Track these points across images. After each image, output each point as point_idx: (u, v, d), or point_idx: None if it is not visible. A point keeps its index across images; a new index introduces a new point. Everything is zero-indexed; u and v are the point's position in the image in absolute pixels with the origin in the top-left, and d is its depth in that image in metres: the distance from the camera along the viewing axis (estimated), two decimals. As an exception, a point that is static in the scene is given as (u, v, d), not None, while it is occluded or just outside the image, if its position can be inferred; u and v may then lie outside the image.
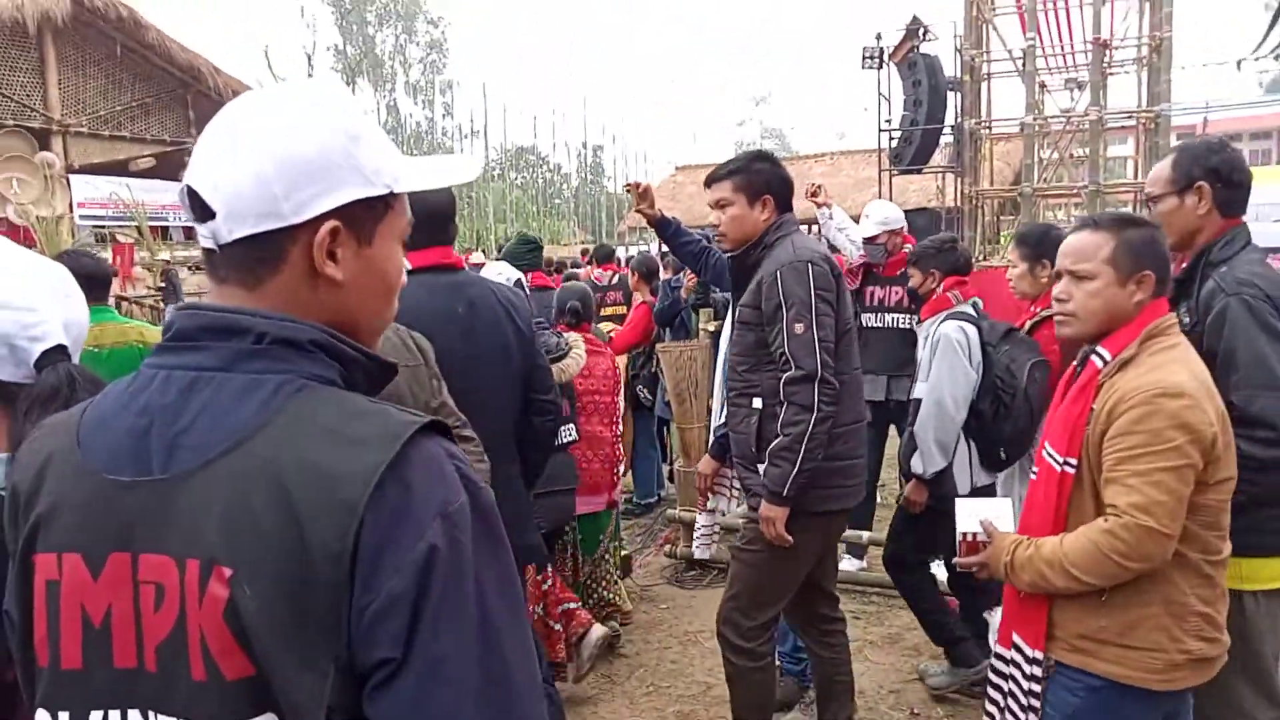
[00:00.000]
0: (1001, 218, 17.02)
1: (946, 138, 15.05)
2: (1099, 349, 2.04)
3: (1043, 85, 16.88)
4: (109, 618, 0.84)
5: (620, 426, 4.72)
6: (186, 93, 17.87)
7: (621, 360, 5.93)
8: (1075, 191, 15.69)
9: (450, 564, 0.79)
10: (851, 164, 25.36)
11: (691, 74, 63.25)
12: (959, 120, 14.77)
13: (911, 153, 14.06)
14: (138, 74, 17.20)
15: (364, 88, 31.73)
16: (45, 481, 0.90)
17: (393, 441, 0.81)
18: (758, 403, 2.89)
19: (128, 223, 16.63)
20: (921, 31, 14.49)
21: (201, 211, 0.88)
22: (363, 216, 0.91)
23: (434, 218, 2.36)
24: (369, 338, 0.96)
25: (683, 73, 62.51)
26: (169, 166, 17.88)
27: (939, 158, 15.37)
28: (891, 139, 14.92)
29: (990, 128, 15.72)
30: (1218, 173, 2.36)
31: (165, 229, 17.70)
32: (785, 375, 2.75)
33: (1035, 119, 15.19)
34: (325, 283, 0.90)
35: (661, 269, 7.45)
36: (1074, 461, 2.00)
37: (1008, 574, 2.05)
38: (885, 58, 14.86)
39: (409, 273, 2.14)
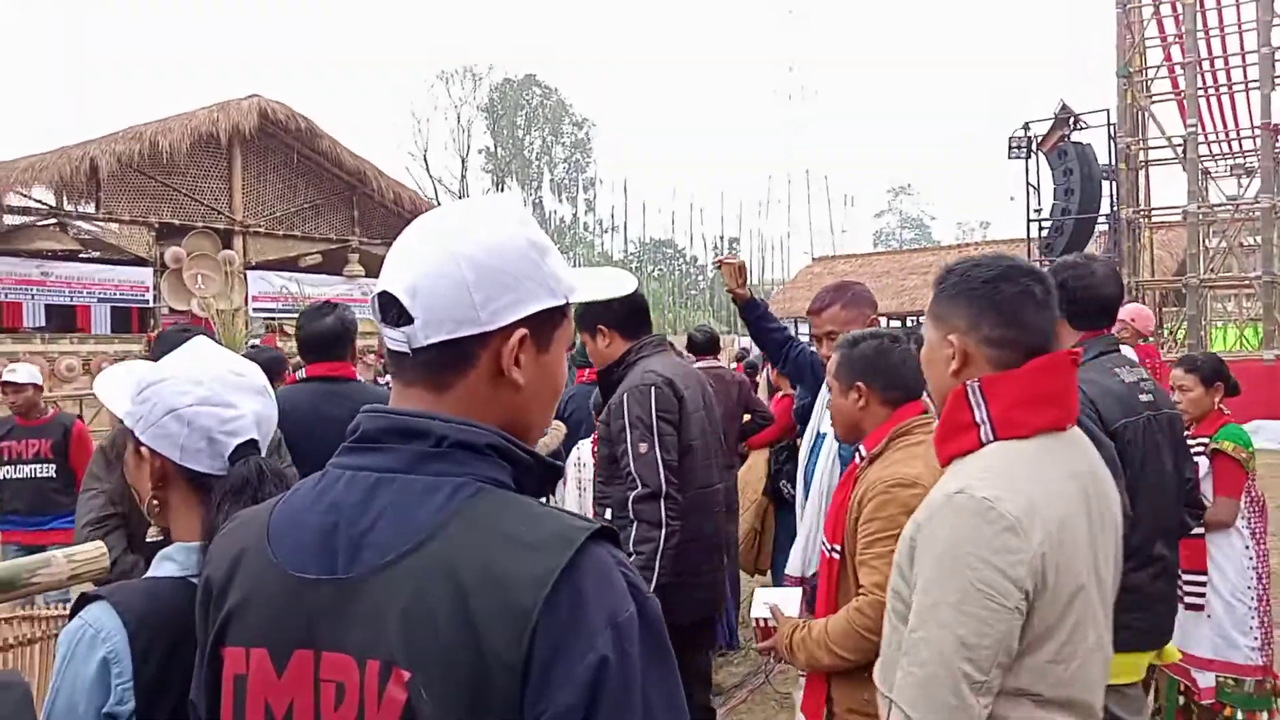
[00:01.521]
0: (1164, 309, 16.10)
1: (1101, 226, 14.47)
2: (860, 447, 2.24)
3: (1206, 172, 16.08)
4: (290, 714, 0.86)
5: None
6: (352, 194, 19.24)
7: (763, 455, 5.81)
8: (1247, 282, 14.69)
9: (620, 676, 0.78)
10: (996, 254, 24.63)
11: (827, 165, 63.77)
12: (1115, 209, 14.18)
13: (1064, 243, 13.57)
14: (310, 178, 18.67)
15: (512, 187, 33.42)
16: (236, 576, 0.92)
17: (566, 547, 0.81)
18: (608, 514, 3.00)
19: (295, 314, 17.88)
20: (1071, 120, 14.12)
21: (397, 316, 0.90)
22: (544, 324, 0.94)
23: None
24: (534, 439, 0.99)
25: (819, 163, 63.06)
26: (334, 261, 19.20)
27: (1093, 247, 14.76)
28: (1042, 228, 14.46)
29: (1150, 216, 15.02)
30: (1063, 291, 2.32)
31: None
32: (633, 493, 2.85)
33: (1200, 207, 14.42)
34: (507, 386, 0.92)
35: None
36: (838, 548, 2.18)
37: (788, 655, 2.21)
38: (1034, 146, 14.52)
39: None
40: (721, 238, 37.64)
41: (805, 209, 62.03)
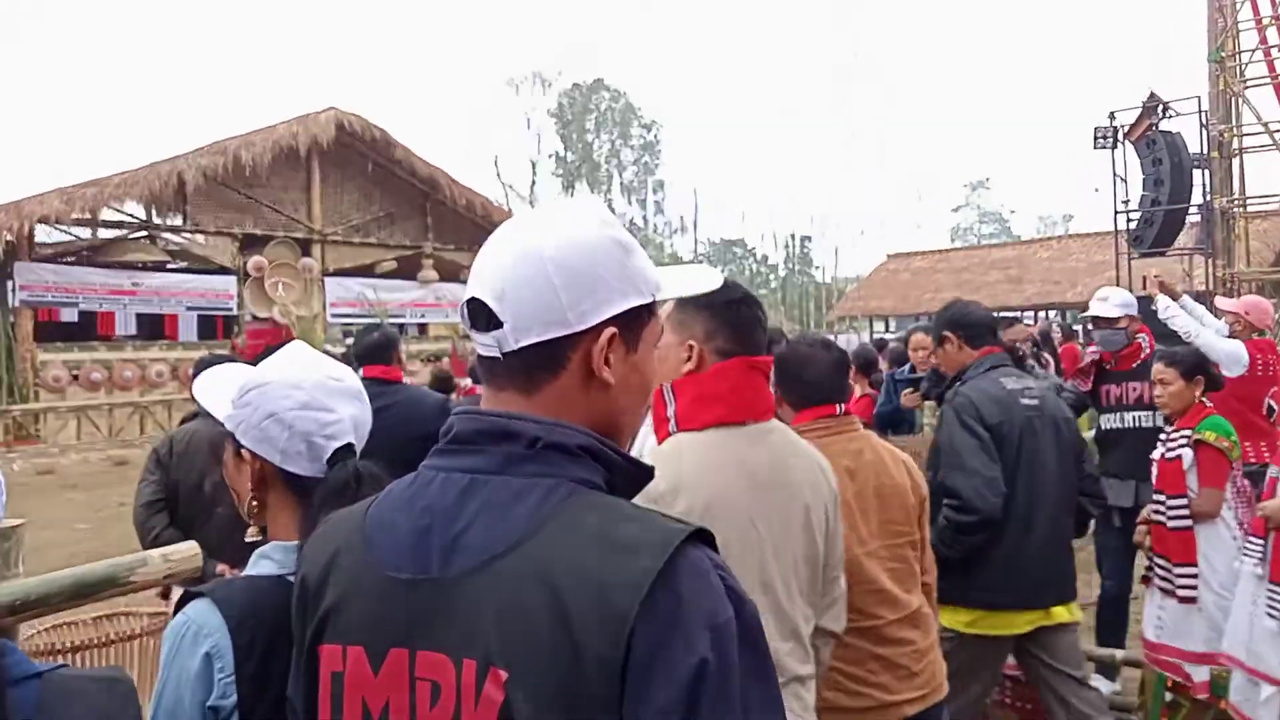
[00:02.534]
0: (1263, 303, 15.34)
1: (1193, 217, 13.86)
2: None
3: (1307, 157, 15.25)
4: (386, 712, 0.87)
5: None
6: (426, 201, 19.60)
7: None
8: (1354, 273, 13.90)
9: (719, 678, 0.78)
10: (1082, 248, 23.82)
11: (904, 158, 62.52)
12: (1207, 199, 13.57)
13: (1153, 234, 13.03)
14: (385, 187, 19.08)
15: (582, 189, 33.71)
16: (332, 575, 0.94)
17: (663, 549, 0.81)
18: None
19: (371, 319, 18.28)
20: (1160, 108, 13.56)
21: (487, 321, 0.91)
22: (633, 323, 0.95)
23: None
24: (626, 439, 0.99)
25: (894, 158, 61.95)
26: (408, 267, 19.57)
27: (1184, 239, 14.14)
28: (1130, 220, 13.91)
29: (1245, 205, 14.33)
30: (955, 323, 3.22)
31: (403, 325, 19.28)
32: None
33: (1300, 195, 13.70)
34: (598, 386, 0.92)
35: (881, 361, 7.14)
36: None
37: None
38: (1120, 136, 13.98)
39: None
40: (793, 236, 37.32)
41: (878, 203, 60.98)
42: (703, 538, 0.85)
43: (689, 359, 1.79)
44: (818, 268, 44.01)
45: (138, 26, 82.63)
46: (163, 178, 15.22)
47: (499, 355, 0.92)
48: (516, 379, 0.92)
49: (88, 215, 15.00)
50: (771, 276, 42.45)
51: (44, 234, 15.04)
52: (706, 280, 1.11)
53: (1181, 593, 3.49)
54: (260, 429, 1.28)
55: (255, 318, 16.97)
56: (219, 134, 16.64)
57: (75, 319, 16.38)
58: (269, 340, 17.64)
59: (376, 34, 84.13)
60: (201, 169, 15.64)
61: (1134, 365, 4.47)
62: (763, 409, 1.86)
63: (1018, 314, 25.24)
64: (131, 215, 15.84)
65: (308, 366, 1.33)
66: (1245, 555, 3.29)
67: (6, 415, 13.75)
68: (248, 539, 1.32)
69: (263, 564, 1.28)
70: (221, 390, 1.37)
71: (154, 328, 17.34)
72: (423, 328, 20.02)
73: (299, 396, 1.28)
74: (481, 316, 0.91)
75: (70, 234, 15.81)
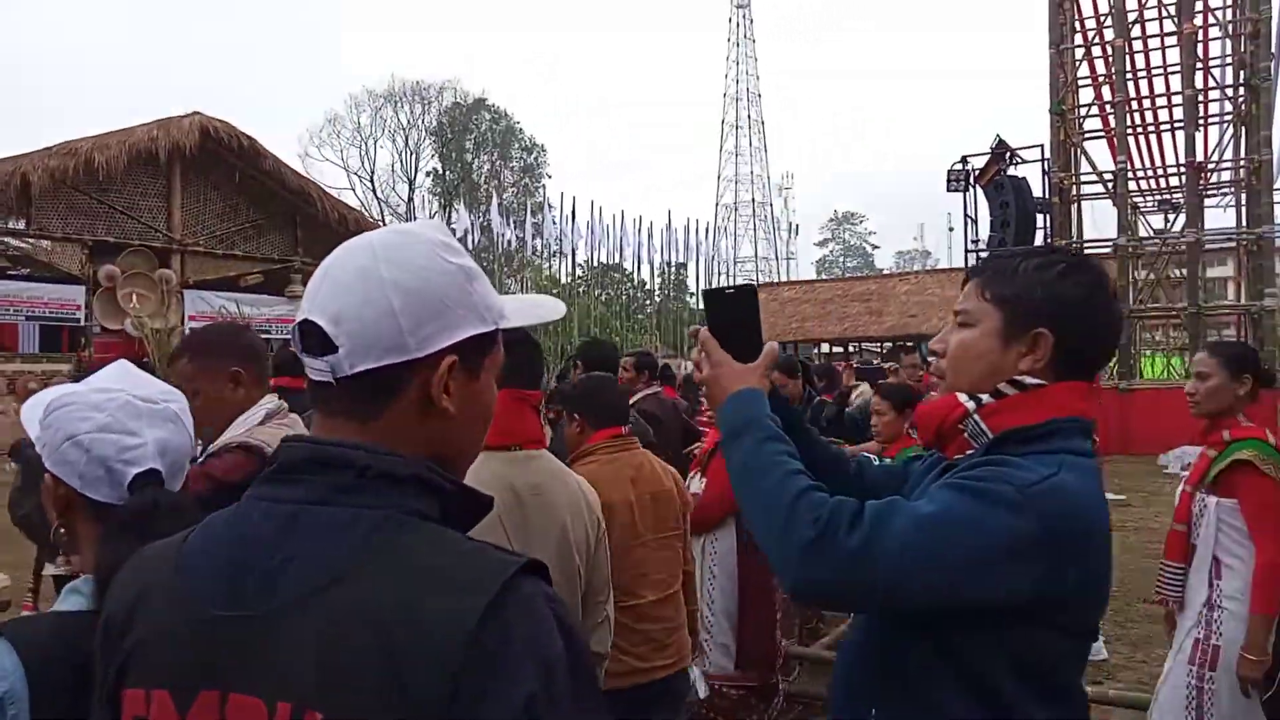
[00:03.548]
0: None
1: (1036, 258, 14.89)
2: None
3: (1135, 207, 16.65)
4: None
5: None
6: (296, 214, 18.97)
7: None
8: (1175, 313, 15.20)
9: (548, 712, 0.76)
10: (937, 283, 25.22)
11: (773, 190, 64.43)
12: (1049, 241, 14.61)
13: (1000, 273, 13.93)
14: (253, 198, 18.38)
15: (460, 210, 33.27)
16: (139, 612, 0.88)
17: (492, 583, 0.79)
18: None
19: (234, 335, 17.53)
20: (1008, 155, 14.55)
21: (322, 345, 0.87)
22: (474, 351, 0.92)
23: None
24: (463, 469, 0.96)
25: (764, 189, 63.64)
26: (275, 282, 18.87)
27: (1029, 278, 15.18)
28: (979, 259, 14.82)
29: (1082, 249, 15.51)
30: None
31: (270, 341, 18.54)
32: None
33: (1129, 240, 14.92)
34: (436, 415, 0.89)
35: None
36: None
37: None
38: (971, 179, 14.93)
39: None
40: (669, 263, 37.84)
41: (750, 236, 62.63)
42: (535, 569, 0.83)
43: None
44: (691, 294, 44.77)
45: (-20, 15, 77.10)
46: (4, 177, 14.24)
47: (332, 381, 0.88)
48: (351, 406, 0.88)
49: (-85, 214, 13.88)
50: (648, 302, 42.97)
51: None
52: (550, 310, 1.07)
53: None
54: (60, 452, 1.22)
55: (105, 329, 15.98)
56: (70, 135, 15.71)
57: (-105, 327, 15.09)
58: (119, 354, 16.64)
59: (250, 40, 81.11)
60: (49, 170, 14.71)
61: None
62: (527, 436, 2.19)
63: (877, 343, 26.47)
64: (-33, 216, 14.74)
65: (118, 387, 1.26)
66: None
67: None
68: (58, 571, 1.25)
69: (72, 599, 1.20)
70: (38, 410, 1.29)
71: (-9, 337, 16.13)
72: (287, 343, 19.33)
73: (99, 419, 1.22)
74: (315, 340, 0.87)
75: (-106, 234, 14.57)
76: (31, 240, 15.62)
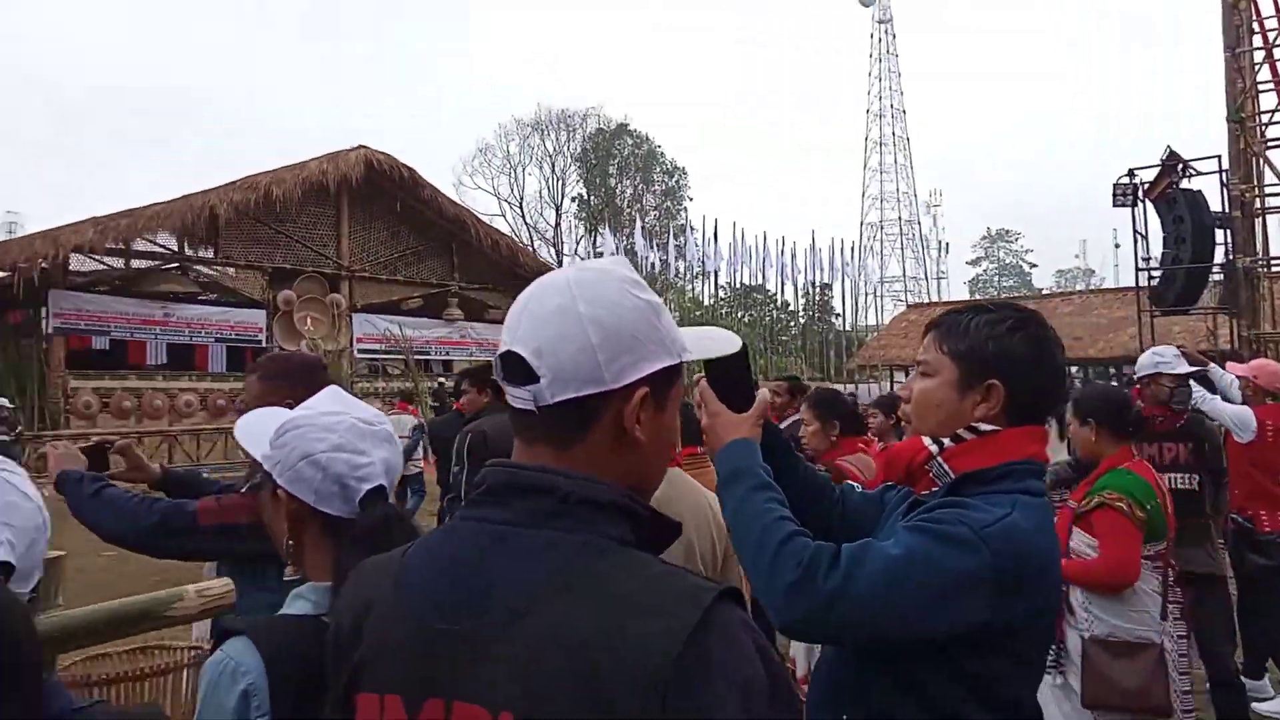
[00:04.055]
0: (1286, 363, 15.22)
1: (1216, 276, 13.87)
2: None
3: (1330, 218, 15.27)
4: None
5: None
6: (452, 241, 19.85)
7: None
8: (1379, 334, 13.84)
9: None
10: (1104, 303, 23.81)
11: (921, 207, 62.53)
12: (1230, 258, 13.59)
13: (1175, 292, 13.03)
14: (413, 225, 19.36)
15: (605, 234, 34.00)
16: (367, 623, 0.94)
17: (693, 608, 0.82)
18: None
19: (396, 356, 18.46)
20: (1180, 167, 13.66)
21: (524, 376, 0.92)
22: (662, 383, 0.96)
23: None
24: (651, 495, 1.00)
25: (912, 206, 61.84)
26: (434, 305, 19.79)
27: (1208, 298, 14.13)
28: (1151, 278, 13.95)
29: (1269, 266, 14.34)
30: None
31: (428, 361, 19.45)
32: None
33: (1324, 255, 13.71)
34: (628, 443, 0.94)
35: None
36: None
37: None
38: (1140, 194, 14.08)
39: None
40: (813, 284, 37.35)
41: (898, 255, 60.97)
42: (732, 595, 0.85)
43: None
44: (837, 315, 44.02)
45: (173, 63, 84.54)
46: (195, 210, 15.54)
47: (534, 409, 0.93)
48: (550, 433, 0.94)
49: (121, 245, 15.30)
50: (792, 324, 42.53)
51: (78, 263, 15.32)
52: (727, 343, 1.13)
53: None
54: (295, 470, 1.30)
55: (283, 350, 17.19)
56: (251, 169, 17.02)
57: (106, 347, 16.63)
58: (294, 373, 17.83)
59: (411, 81, 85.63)
60: (233, 203, 15.96)
61: (1176, 426, 4.34)
62: None
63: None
64: (164, 246, 16.14)
65: (342, 410, 1.35)
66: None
67: (38, 441, 13.95)
68: (286, 578, 1.36)
69: (298, 604, 1.30)
70: (260, 431, 1.39)
71: (184, 358, 17.55)
72: (447, 364, 20.19)
73: (332, 439, 1.31)
74: (517, 370, 0.93)
75: (103, 263, 16.10)
76: (219, 268, 16.97)
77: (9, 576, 1.00)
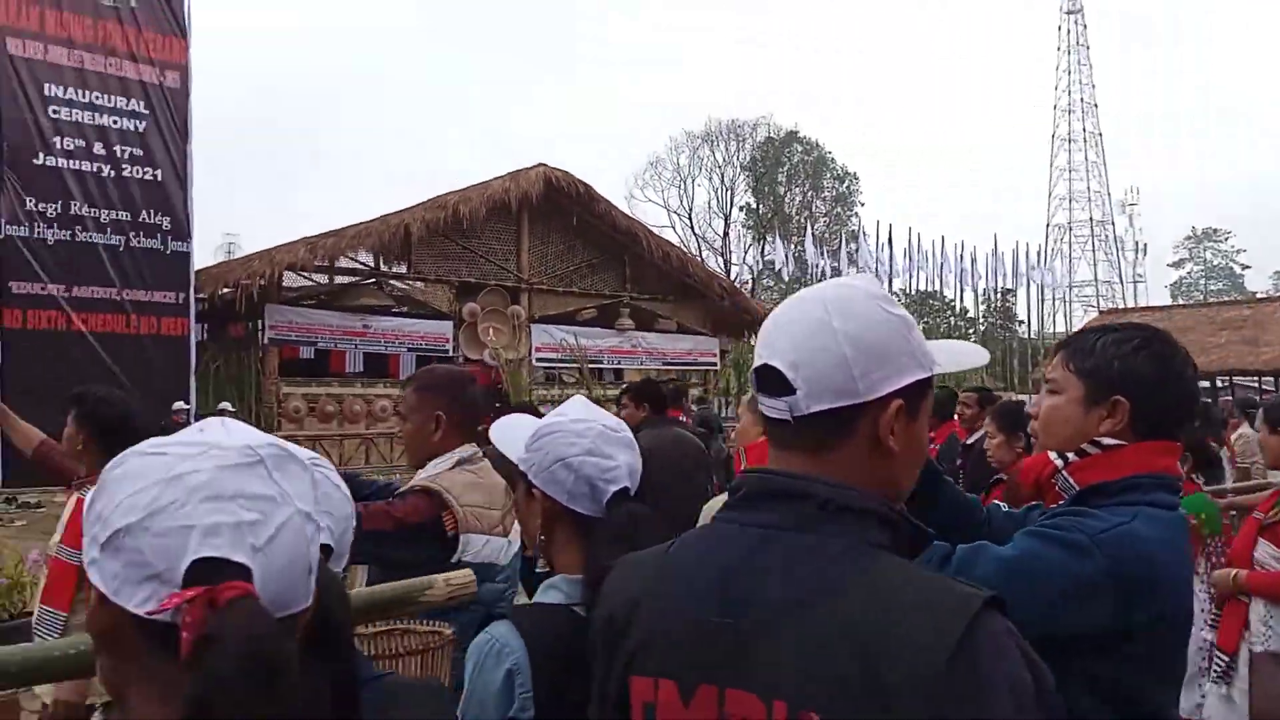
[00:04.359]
0: None
1: None
2: None
3: None
4: None
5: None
6: (624, 253, 20.30)
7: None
8: None
9: None
10: (1332, 307, 21.48)
11: (1115, 207, 58.19)
12: None
13: None
14: (587, 239, 19.94)
15: (775, 242, 33.83)
16: (638, 614, 1.02)
17: (964, 613, 0.85)
18: None
19: (571, 364, 19.05)
20: None
21: (780, 388, 0.99)
22: (914, 395, 1.01)
23: None
24: (901, 501, 1.04)
25: (1104, 206, 57.65)
26: (607, 315, 20.29)
27: None
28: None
29: None
30: None
31: (600, 370, 19.95)
32: None
33: None
34: (882, 452, 0.98)
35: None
36: None
37: None
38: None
39: None
40: (994, 290, 35.67)
41: (1088, 259, 57.14)
42: (996, 603, 0.88)
43: (763, 434, 2.54)
44: (1020, 323, 41.80)
45: (373, 95, 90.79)
46: (391, 229, 16.60)
47: (789, 419, 0.99)
48: (805, 442, 0.99)
49: (326, 263, 16.55)
50: (971, 331, 40.76)
51: (289, 279, 16.68)
52: (975, 356, 1.19)
53: None
54: (549, 472, 1.42)
55: (468, 359, 18.09)
56: (440, 189, 18.04)
57: (312, 356, 18.05)
58: (480, 382, 18.73)
59: (581, 98, 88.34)
60: (425, 221, 16.94)
61: None
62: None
63: (1253, 377, 23.02)
64: (363, 263, 17.35)
65: (590, 418, 1.47)
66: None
67: (253, 441, 15.30)
68: (537, 570, 1.48)
69: (551, 593, 1.40)
70: (514, 434, 1.53)
71: (379, 367, 18.78)
72: (619, 373, 20.64)
73: (584, 444, 1.42)
74: (773, 382, 0.99)
75: (311, 280, 17.47)
76: (410, 282, 18.07)
77: (328, 558, 1.13)
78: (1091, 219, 58.27)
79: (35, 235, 11.90)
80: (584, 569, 1.36)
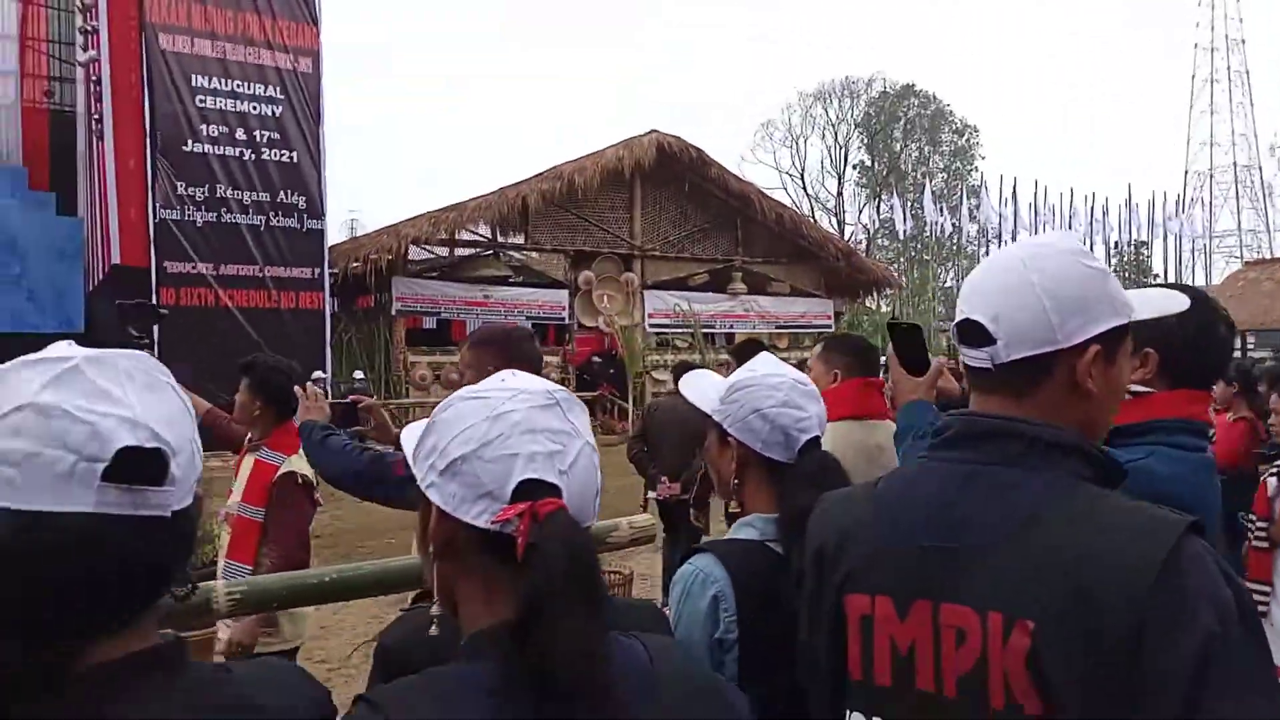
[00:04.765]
0: None
1: None
2: None
3: None
4: (913, 650, 1.05)
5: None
6: (736, 217, 20.24)
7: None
8: None
9: (1224, 650, 0.89)
10: None
11: (1262, 151, 53.91)
12: None
13: None
14: (699, 203, 19.96)
15: (892, 201, 32.95)
16: (849, 541, 1.14)
17: (1168, 535, 0.94)
18: None
19: (684, 329, 19.22)
20: None
21: (981, 339, 1.09)
22: (1112, 340, 1.10)
23: None
24: (1099, 439, 1.14)
25: (1249, 150, 53.51)
26: (718, 280, 20.32)
27: None
28: None
29: None
30: None
31: (712, 335, 20.07)
32: None
33: None
34: (1080, 394, 1.08)
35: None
36: None
37: None
38: None
39: None
40: (1127, 242, 33.85)
41: (1230, 207, 53.33)
42: (1196, 528, 0.96)
43: (834, 381, 2.85)
44: (1155, 276, 39.58)
45: (489, 70, 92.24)
46: (509, 201, 17.02)
47: (990, 367, 1.09)
48: (1006, 387, 1.09)
49: (447, 236, 17.14)
50: (1100, 287, 38.74)
51: (414, 253, 17.34)
52: (1173, 302, 1.27)
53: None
54: (745, 422, 1.54)
55: (583, 326, 18.48)
56: (555, 160, 18.36)
57: (434, 326, 18.76)
58: (594, 348, 19.12)
59: (698, 56, 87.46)
60: (541, 192, 17.30)
61: None
62: (873, 410, 2.83)
63: None
64: (482, 235, 17.88)
65: (782, 373, 1.59)
66: None
67: (385, 408, 16.09)
68: (729, 511, 1.62)
69: (745, 530, 1.54)
70: (701, 388, 1.66)
71: (497, 335, 19.31)
72: (730, 338, 20.71)
73: (779, 396, 1.53)
74: (973, 334, 1.09)
75: (433, 253, 18.12)
76: (527, 252, 18.53)
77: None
78: (1235, 164, 54.30)
79: (185, 218, 12.75)
80: (778, 508, 1.50)
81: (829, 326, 21.26)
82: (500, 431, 0.91)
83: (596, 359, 18.86)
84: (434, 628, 0.97)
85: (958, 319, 1.13)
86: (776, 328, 20.53)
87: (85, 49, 12.79)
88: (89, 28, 12.66)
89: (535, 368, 2.54)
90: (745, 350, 5.53)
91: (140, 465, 0.78)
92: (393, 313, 16.63)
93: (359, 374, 14.86)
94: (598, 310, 18.37)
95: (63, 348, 0.82)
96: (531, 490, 0.89)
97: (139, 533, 0.79)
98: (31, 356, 0.81)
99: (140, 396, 0.81)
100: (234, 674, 0.87)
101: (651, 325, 19.23)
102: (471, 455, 0.91)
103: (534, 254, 18.54)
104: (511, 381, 0.97)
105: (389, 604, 4.50)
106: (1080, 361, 1.07)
